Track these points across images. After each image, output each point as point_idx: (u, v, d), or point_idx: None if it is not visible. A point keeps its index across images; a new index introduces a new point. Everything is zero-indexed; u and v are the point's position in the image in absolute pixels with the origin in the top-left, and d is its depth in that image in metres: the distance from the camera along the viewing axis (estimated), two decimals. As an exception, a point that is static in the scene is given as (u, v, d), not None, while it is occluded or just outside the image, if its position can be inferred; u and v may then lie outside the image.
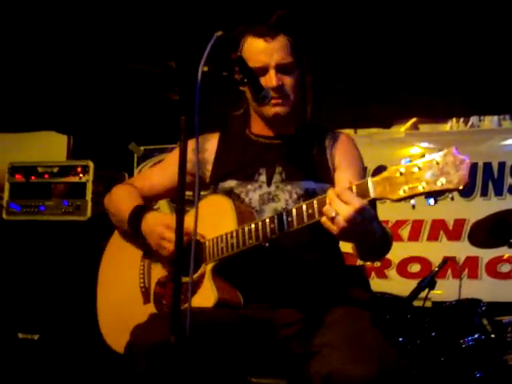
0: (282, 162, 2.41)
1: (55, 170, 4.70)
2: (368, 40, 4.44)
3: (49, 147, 5.82)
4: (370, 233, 2.02)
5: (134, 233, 2.45)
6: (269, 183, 2.39)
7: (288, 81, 2.38)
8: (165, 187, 2.58)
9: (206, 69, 1.85)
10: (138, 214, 2.44)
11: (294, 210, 2.08)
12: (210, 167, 2.52)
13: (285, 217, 2.10)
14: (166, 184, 2.57)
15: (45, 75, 4.89)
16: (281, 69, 2.37)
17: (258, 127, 2.51)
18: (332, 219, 1.91)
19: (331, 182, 2.37)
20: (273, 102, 2.33)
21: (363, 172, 2.46)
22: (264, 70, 2.36)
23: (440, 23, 4.26)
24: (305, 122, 2.47)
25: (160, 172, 2.63)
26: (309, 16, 2.49)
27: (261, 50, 2.37)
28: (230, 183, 2.41)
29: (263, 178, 2.40)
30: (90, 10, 4.05)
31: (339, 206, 1.89)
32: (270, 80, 2.34)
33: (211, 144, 2.56)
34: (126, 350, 2.09)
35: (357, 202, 1.88)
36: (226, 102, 2.50)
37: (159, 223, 2.34)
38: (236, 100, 2.50)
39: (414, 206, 1.83)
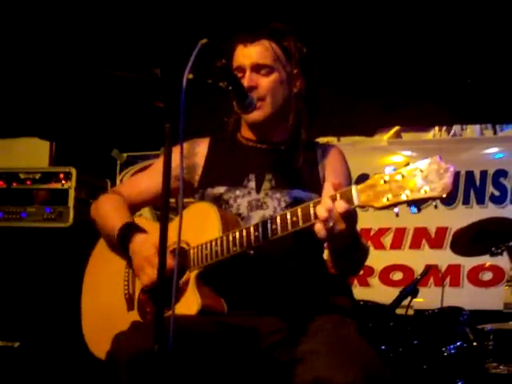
0: (271, 169, 2.41)
1: (37, 176, 4.68)
2: (351, 48, 4.46)
3: (31, 153, 5.78)
4: (355, 234, 2.05)
5: (121, 249, 2.45)
6: (258, 190, 2.39)
7: (264, 82, 2.39)
8: (152, 194, 2.56)
9: (190, 76, 1.86)
10: (126, 236, 2.41)
11: (278, 218, 2.08)
12: (199, 171, 2.52)
13: (269, 224, 2.10)
14: (153, 190, 2.55)
15: (27, 81, 4.87)
16: (256, 69, 2.39)
17: (248, 131, 2.52)
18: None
19: (320, 193, 2.37)
20: None
21: (350, 182, 2.47)
22: (242, 71, 2.39)
23: (422, 32, 4.29)
24: (293, 130, 2.47)
25: (147, 178, 2.61)
26: (293, 23, 2.49)
27: (240, 53, 2.43)
28: (219, 189, 2.41)
29: (252, 184, 2.40)
30: (74, 18, 4.04)
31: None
32: (245, 80, 2.35)
33: (201, 148, 2.55)
34: (107, 358, 2.08)
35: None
36: (219, 108, 2.50)
37: (140, 255, 2.33)
38: (228, 106, 2.50)
39: (397, 214, 1.83)
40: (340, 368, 1.92)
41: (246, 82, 2.35)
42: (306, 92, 2.48)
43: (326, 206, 1.93)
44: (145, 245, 2.34)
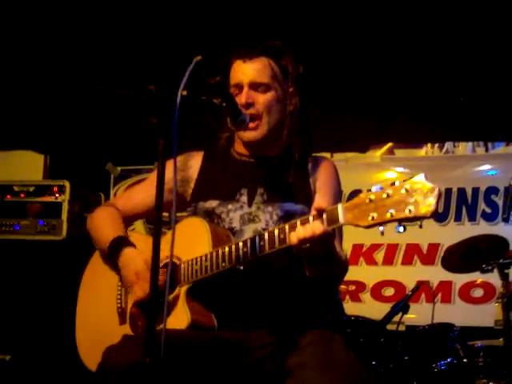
0: (263, 183, 2.43)
1: (31, 189, 4.69)
2: (346, 66, 4.49)
3: (25, 166, 5.80)
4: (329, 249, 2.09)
5: (113, 262, 2.47)
6: (250, 204, 2.40)
7: (261, 100, 2.41)
8: (147, 206, 2.57)
9: (185, 93, 1.88)
10: (117, 248, 2.44)
11: (265, 235, 2.11)
12: (192, 185, 2.53)
13: (257, 241, 2.12)
14: (147, 203, 2.55)
15: (23, 95, 4.89)
16: (254, 87, 2.41)
17: (241, 146, 2.54)
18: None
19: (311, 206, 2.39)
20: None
21: (339, 197, 2.48)
22: (239, 88, 2.41)
23: (415, 50, 4.32)
24: (287, 145, 2.50)
25: (141, 192, 2.63)
26: (287, 41, 2.52)
27: (238, 69, 2.44)
28: (212, 203, 2.42)
29: (244, 198, 2.41)
30: (69, 34, 4.06)
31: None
32: (242, 96, 2.38)
33: (195, 162, 2.57)
34: (98, 371, 2.10)
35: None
36: (212, 124, 2.52)
37: (131, 269, 2.36)
38: (221, 122, 2.51)
39: (382, 233, 1.85)
40: (329, 381, 1.94)
41: (243, 99, 2.37)
42: (299, 110, 2.51)
43: (298, 235, 1.99)
44: (135, 259, 2.36)
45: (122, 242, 2.44)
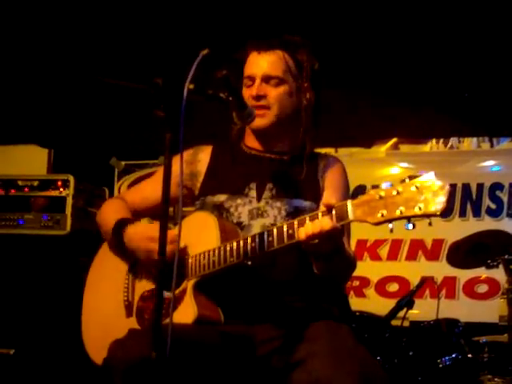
0: (273, 178, 2.43)
1: (35, 183, 4.68)
2: (351, 61, 4.48)
3: (29, 161, 5.80)
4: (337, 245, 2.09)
5: (119, 246, 2.45)
6: (259, 198, 2.40)
7: (273, 93, 2.41)
8: (156, 200, 2.50)
9: (191, 86, 1.87)
10: (120, 227, 2.42)
11: (274, 230, 2.10)
12: (201, 179, 2.53)
13: (266, 236, 2.11)
14: (157, 196, 2.50)
15: (26, 88, 4.88)
16: (267, 80, 2.41)
17: (251, 140, 2.53)
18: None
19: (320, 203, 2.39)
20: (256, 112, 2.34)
21: (348, 196, 2.48)
22: (252, 80, 2.42)
23: (420, 45, 4.31)
24: (298, 141, 2.49)
25: (152, 185, 2.60)
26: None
27: (253, 61, 2.45)
28: (220, 197, 2.42)
29: (253, 193, 2.41)
30: (74, 26, 4.05)
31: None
32: (254, 88, 2.39)
33: (204, 155, 2.57)
34: (104, 365, 2.09)
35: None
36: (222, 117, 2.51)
37: (143, 237, 2.33)
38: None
39: (391, 230, 1.85)
40: (339, 366, 1.96)
41: (254, 91, 2.39)
42: (313, 105, 2.50)
43: (306, 231, 1.99)
44: (141, 238, 2.34)
45: (126, 220, 2.44)
